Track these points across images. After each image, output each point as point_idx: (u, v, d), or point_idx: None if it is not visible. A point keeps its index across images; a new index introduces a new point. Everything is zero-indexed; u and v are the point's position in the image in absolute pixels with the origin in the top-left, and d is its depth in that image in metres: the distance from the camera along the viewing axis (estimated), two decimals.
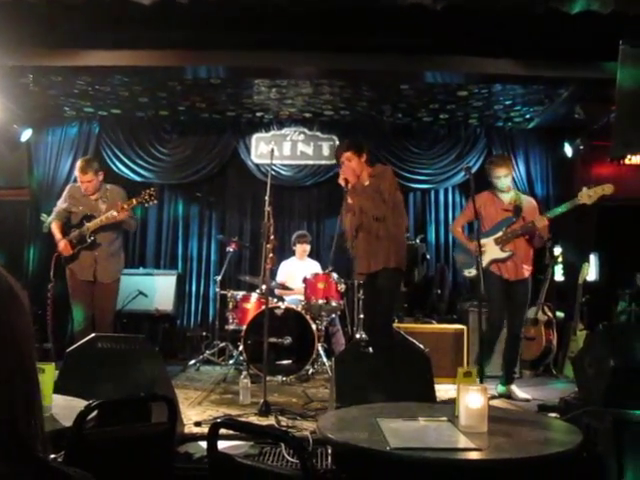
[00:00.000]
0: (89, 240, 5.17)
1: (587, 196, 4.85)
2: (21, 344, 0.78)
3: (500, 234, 5.07)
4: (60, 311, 5.68)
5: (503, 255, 5.03)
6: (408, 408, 2.48)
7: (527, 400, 4.90)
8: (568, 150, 6.89)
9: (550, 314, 6.41)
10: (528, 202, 5.21)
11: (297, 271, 6.66)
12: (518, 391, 5.04)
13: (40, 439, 0.78)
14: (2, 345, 0.74)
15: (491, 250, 5.08)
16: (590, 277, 6.59)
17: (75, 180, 5.57)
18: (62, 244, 5.21)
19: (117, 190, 5.41)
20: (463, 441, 1.97)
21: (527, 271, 5.08)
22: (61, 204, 5.41)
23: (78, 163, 5.36)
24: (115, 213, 5.05)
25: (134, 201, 5.14)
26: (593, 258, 7.05)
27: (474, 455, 1.89)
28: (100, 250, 5.21)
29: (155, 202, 5.27)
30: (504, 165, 5.11)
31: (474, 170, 6.23)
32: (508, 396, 4.97)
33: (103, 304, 5.23)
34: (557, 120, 6.85)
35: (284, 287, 6.61)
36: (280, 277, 6.78)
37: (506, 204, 5.10)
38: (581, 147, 6.73)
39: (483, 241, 5.13)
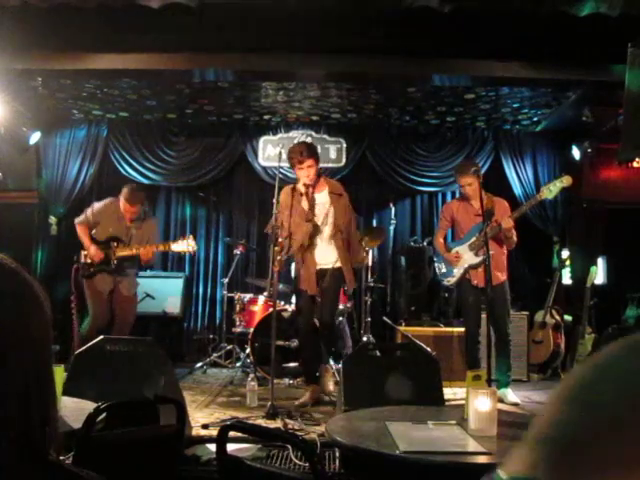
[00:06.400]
0: (113, 265, 5.26)
1: (547, 190, 4.91)
2: (38, 347, 0.78)
3: (473, 239, 5.07)
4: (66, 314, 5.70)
5: (478, 260, 4.99)
6: (417, 411, 2.47)
7: (516, 404, 4.85)
8: (576, 153, 6.86)
9: (558, 317, 6.39)
10: (500, 205, 5.17)
11: None
12: (510, 394, 4.97)
13: (54, 441, 0.78)
14: (19, 347, 0.75)
15: (466, 257, 5.12)
16: (598, 280, 6.55)
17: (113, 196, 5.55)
18: (93, 250, 5.24)
19: (152, 221, 5.64)
20: (473, 445, 1.96)
21: (501, 276, 5.05)
22: (91, 215, 5.40)
23: (126, 192, 5.36)
24: (143, 250, 5.20)
25: (172, 246, 5.31)
26: (601, 261, 7.02)
27: (484, 459, 1.88)
28: (121, 271, 5.33)
29: (193, 252, 5.52)
30: (468, 174, 4.97)
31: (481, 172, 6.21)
32: (500, 400, 4.90)
33: (123, 315, 5.36)
34: (565, 123, 6.82)
35: None
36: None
37: (477, 209, 5.04)
38: (589, 150, 6.70)
39: (459, 249, 5.17)
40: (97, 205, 5.50)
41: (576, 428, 0.47)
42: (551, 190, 4.89)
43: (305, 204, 4.75)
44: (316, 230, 4.75)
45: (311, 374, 4.86)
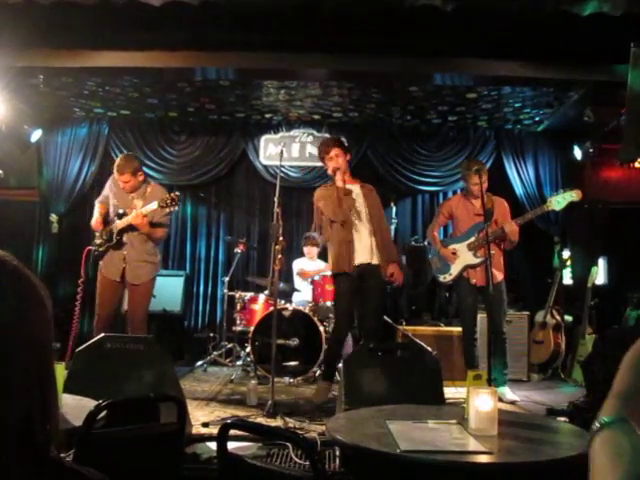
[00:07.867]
0: (115, 239, 4.85)
1: (556, 202, 4.85)
2: (39, 345, 0.77)
3: (472, 239, 5.06)
4: (67, 312, 5.66)
5: (476, 261, 5.02)
6: (417, 410, 2.47)
7: (514, 402, 4.87)
8: (578, 153, 6.85)
9: (559, 318, 6.39)
10: (499, 205, 5.17)
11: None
12: (508, 393, 4.99)
13: (55, 439, 0.78)
14: (21, 345, 0.74)
15: (464, 256, 5.11)
16: (599, 280, 6.55)
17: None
18: (97, 217, 4.92)
19: (159, 190, 5.01)
20: (473, 444, 1.95)
21: (499, 276, 5.05)
22: (104, 193, 5.10)
23: (117, 160, 4.97)
24: (134, 217, 4.71)
25: (155, 205, 4.74)
26: (602, 261, 7.01)
27: (484, 458, 1.88)
28: (129, 250, 4.89)
29: (176, 208, 4.79)
30: (479, 172, 4.90)
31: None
32: (499, 398, 4.90)
33: (133, 306, 4.94)
34: (567, 123, 6.82)
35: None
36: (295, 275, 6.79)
37: (478, 208, 5.03)
38: (591, 150, 6.68)
39: (456, 246, 5.17)
40: (105, 187, 5.17)
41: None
42: (559, 202, 4.83)
43: (340, 183, 4.81)
44: (354, 204, 4.81)
45: (332, 371, 4.79)
